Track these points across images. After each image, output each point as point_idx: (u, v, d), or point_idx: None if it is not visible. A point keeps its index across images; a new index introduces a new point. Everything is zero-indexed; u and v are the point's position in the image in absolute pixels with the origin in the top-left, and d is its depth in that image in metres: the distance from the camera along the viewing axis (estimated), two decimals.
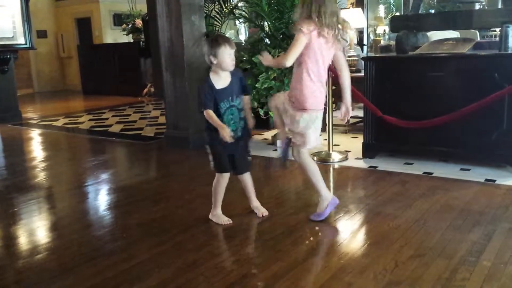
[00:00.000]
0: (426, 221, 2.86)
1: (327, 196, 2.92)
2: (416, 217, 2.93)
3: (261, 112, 5.15)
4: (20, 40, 7.86)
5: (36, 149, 5.78)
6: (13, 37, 7.77)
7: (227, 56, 2.72)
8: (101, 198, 3.78)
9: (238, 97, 2.85)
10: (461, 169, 3.93)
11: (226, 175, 2.96)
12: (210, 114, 2.76)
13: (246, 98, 2.92)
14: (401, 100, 4.13)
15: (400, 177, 3.80)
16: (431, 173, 3.86)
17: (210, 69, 2.83)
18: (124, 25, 11.39)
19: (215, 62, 2.74)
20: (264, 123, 5.96)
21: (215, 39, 2.75)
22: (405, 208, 3.10)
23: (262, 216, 3.04)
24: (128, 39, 11.56)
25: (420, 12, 5.13)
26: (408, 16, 4.89)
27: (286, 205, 3.34)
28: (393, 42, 5.96)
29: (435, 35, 5.42)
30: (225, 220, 2.94)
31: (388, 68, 4.33)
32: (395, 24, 4.73)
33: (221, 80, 2.80)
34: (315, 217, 2.93)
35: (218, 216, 2.99)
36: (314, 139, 2.82)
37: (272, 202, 3.37)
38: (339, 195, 3.40)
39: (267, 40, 5.29)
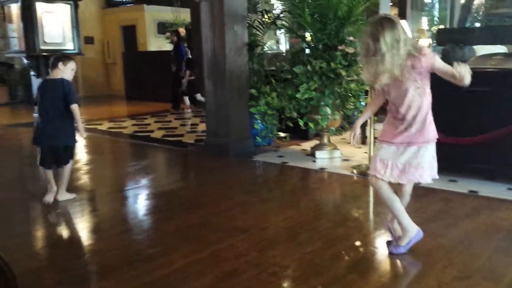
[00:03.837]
0: (471, 241, 2.76)
1: (411, 227, 2.62)
2: (460, 237, 2.83)
3: (301, 123, 5.13)
4: (69, 46, 8.16)
5: (81, 152, 5.95)
6: (62, 42, 8.08)
7: None
8: (141, 203, 3.86)
9: None
10: (509, 189, 3.78)
11: None
12: None
13: None
14: (446, 115, 4.01)
15: (444, 194, 3.69)
16: (477, 192, 3.73)
17: None
18: (168, 33, 11.65)
19: None
20: (303, 134, 5.93)
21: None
22: (448, 227, 3.00)
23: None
24: (171, 47, 11.80)
25: (466, 25, 5.01)
26: (455, 30, 4.79)
27: (324, 218, 3.30)
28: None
29: (482, 49, 5.27)
30: None
31: (433, 82, 4.21)
32: (442, 37, 4.63)
33: None
34: (394, 250, 2.63)
35: None
36: (379, 168, 2.53)
37: (310, 214, 3.34)
38: (379, 211, 3.34)
39: (308, 51, 5.29)
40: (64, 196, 3.75)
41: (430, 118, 2.49)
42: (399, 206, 2.57)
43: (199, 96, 9.38)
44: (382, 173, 2.50)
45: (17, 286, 1.16)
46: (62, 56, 3.80)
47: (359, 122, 2.69)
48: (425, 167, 2.49)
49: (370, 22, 2.38)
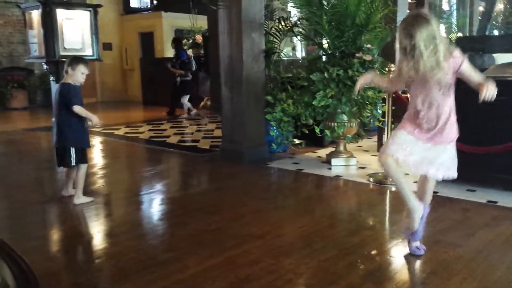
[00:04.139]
0: (490, 252, 2.71)
1: (415, 206, 2.58)
2: (479, 247, 2.78)
3: (317, 130, 5.12)
4: (88, 52, 8.26)
5: (97, 156, 6.02)
6: (81, 48, 8.19)
7: None
8: (156, 207, 3.88)
9: None
10: None
11: None
12: None
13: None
14: (464, 124, 3.96)
15: (462, 204, 3.63)
16: (496, 202, 3.67)
17: None
18: (185, 40, 11.76)
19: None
20: (318, 141, 5.91)
21: None
22: (467, 237, 2.95)
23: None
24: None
25: (486, 33, 4.96)
26: (474, 38, 4.74)
27: (340, 226, 3.28)
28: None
29: (502, 57, 5.20)
30: None
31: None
32: (461, 45, 4.58)
33: None
34: (407, 236, 2.66)
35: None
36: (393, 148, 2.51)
37: (326, 222, 3.32)
38: (396, 220, 3.31)
39: (325, 58, 5.28)
40: (79, 199, 3.80)
41: (453, 119, 2.48)
42: (406, 186, 2.54)
43: (184, 99, 9.44)
44: (393, 151, 2.47)
45: (39, 287, 1.17)
46: (72, 60, 3.81)
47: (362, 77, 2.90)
48: (440, 164, 2.48)
49: (404, 20, 2.35)
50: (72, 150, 3.75)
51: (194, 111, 9.70)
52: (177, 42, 10.10)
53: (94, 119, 3.79)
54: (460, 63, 2.32)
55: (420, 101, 2.44)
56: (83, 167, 3.84)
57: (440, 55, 2.27)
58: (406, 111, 2.62)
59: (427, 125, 2.46)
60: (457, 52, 2.34)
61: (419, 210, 2.59)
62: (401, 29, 2.32)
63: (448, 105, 2.42)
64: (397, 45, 2.37)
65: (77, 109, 3.70)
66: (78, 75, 3.76)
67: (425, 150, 2.48)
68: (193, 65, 10.16)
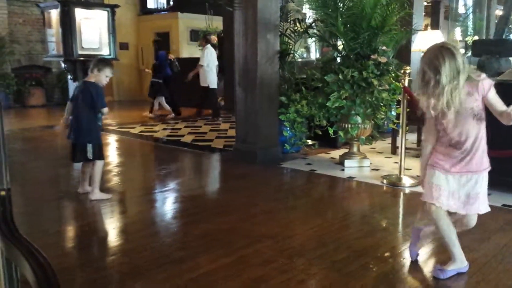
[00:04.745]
0: (504, 256, 2.69)
1: (461, 260, 2.50)
2: (493, 251, 2.77)
3: (330, 131, 5.12)
4: (105, 51, 8.37)
5: (112, 154, 6.09)
6: (98, 47, 8.30)
7: None
8: (170, 206, 3.92)
9: None
10: None
11: None
12: None
13: None
14: None
15: None
16: (510, 206, 3.64)
17: None
18: (199, 40, 11.81)
19: None
20: (332, 142, 5.91)
21: None
22: (481, 241, 2.93)
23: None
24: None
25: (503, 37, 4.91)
26: (491, 41, 4.69)
27: (352, 228, 3.28)
28: (473, 67, 5.72)
29: None
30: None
31: None
32: (478, 48, 4.55)
33: None
34: (436, 273, 2.50)
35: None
36: (436, 195, 2.39)
37: (338, 223, 3.33)
38: (408, 222, 3.30)
39: (340, 59, 5.28)
40: (95, 195, 3.86)
41: (485, 146, 2.38)
42: (455, 239, 2.46)
43: (157, 99, 9.51)
44: (441, 201, 2.35)
45: (58, 282, 1.19)
46: (98, 61, 3.95)
47: (423, 164, 2.47)
48: (481, 197, 2.37)
49: (430, 51, 2.25)
50: (90, 146, 3.84)
51: (151, 114, 9.66)
52: (156, 43, 10.15)
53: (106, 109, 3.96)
54: (489, 88, 2.24)
55: (456, 134, 2.32)
56: (100, 163, 3.93)
57: (462, 87, 2.20)
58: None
59: (467, 156, 2.34)
60: (484, 76, 2.27)
61: (463, 265, 2.49)
62: (426, 61, 2.23)
63: (482, 131, 2.34)
64: (419, 76, 2.28)
65: (106, 110, 3.90)
66: (103, 77, 3.91)
67: (471, 185, 2.37)
68: (175, 67, 10.04)
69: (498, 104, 2.27)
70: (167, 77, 9.87)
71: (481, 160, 2.36)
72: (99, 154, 3.93)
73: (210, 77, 9.39)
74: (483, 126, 2.34)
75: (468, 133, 2.31)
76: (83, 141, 3.86)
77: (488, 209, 2.42)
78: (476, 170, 2.35)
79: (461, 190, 2.36)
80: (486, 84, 2.25)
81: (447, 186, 2.36)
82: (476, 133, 2.31)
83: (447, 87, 2.17)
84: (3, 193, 1.30)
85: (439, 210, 2.37)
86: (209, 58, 9.36)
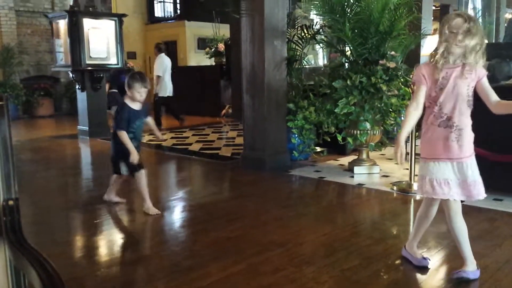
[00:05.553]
0: None
1: (474, 265, 2.45)
2: (506, 258, 2.72)
3: (339, 138, 5.09)
4: (113, 60, 8.42)
5: None
6: (106, 57, 8.35)
7: None
8: (179, 214, 3.90)
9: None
10: None
11: None
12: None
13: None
14: (491, 133, 3.89)
15: (489, 214, 3.55)
16: None
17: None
18: (207, 48, 11.89)
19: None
20: (340, 149, 5.88)
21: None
22: (494, 247, 2.88)
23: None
24: (210, 62, 12.02)
25: None
26: (501, 44, 4.65)
27: (363, 235, 3.24)
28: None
29: None
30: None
31: (477, 97, 4.10)
32: (487, 52, 4.50)
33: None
34: (459, 274, 2.44)
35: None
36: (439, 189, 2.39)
37: (348, 231, 3.29)
38: None
39: (348, 65, 5.26)
40: (149, 210, 3.73)
41: (472, 134, 2.41)
42: (466, 236, 2.44)
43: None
44: (446, 193, 2.35)
45: None
46: (129, 78, 3.74)
47: (403, 137, 2.46)
48: (479, 181, 2.38)
49: (462, 15, 2.30)
50: (122, 164, 3.74)
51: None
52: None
53: (133, 156, 3.61)
54: (483, 74, 2.33)
55: (450, 108, 2.34)
56: (139, 175, 3.75)
57: (479, 60, 2.29)
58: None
59: (459, 136, 2.34)
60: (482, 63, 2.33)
61: (475, 271, 2.44)
62: (460, 22, 2.25)
63: (469, 118, 2.37)
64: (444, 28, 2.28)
65: (119, 134, 3.61)
66: (135, 94, 3.66)
67: (464, 172, 2.36)
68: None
69: (491, 91, 2.35)
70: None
71: (470, 145, 2.39)
72: (134, 167, 3.72)
73: (170, 86, 9.43)
74: (470, 113, 2.38)
75: (460, 111, 2.33)
76: (115, 157, 3.79)
77: (485, 195, 2.43)
78: (465, 156, 2.36)
79: (457, 176, 2.37)
80: (482, 71, 2.34)
81: (445, 174, 2.36)
82: (467, 116, 2.36)
83: (473, 51, 2.23)
84: (11, 202, 1.30)
85: (455, 203, 2.39)
86: (163, 67, 9.31)
